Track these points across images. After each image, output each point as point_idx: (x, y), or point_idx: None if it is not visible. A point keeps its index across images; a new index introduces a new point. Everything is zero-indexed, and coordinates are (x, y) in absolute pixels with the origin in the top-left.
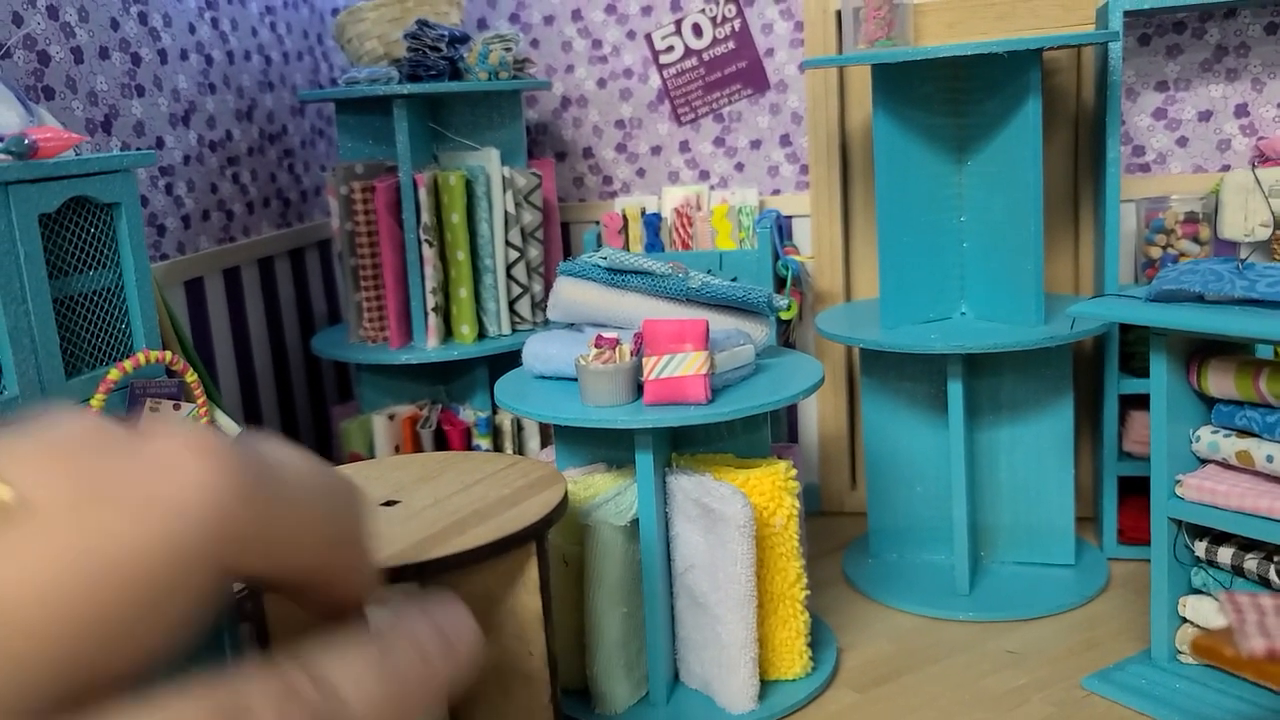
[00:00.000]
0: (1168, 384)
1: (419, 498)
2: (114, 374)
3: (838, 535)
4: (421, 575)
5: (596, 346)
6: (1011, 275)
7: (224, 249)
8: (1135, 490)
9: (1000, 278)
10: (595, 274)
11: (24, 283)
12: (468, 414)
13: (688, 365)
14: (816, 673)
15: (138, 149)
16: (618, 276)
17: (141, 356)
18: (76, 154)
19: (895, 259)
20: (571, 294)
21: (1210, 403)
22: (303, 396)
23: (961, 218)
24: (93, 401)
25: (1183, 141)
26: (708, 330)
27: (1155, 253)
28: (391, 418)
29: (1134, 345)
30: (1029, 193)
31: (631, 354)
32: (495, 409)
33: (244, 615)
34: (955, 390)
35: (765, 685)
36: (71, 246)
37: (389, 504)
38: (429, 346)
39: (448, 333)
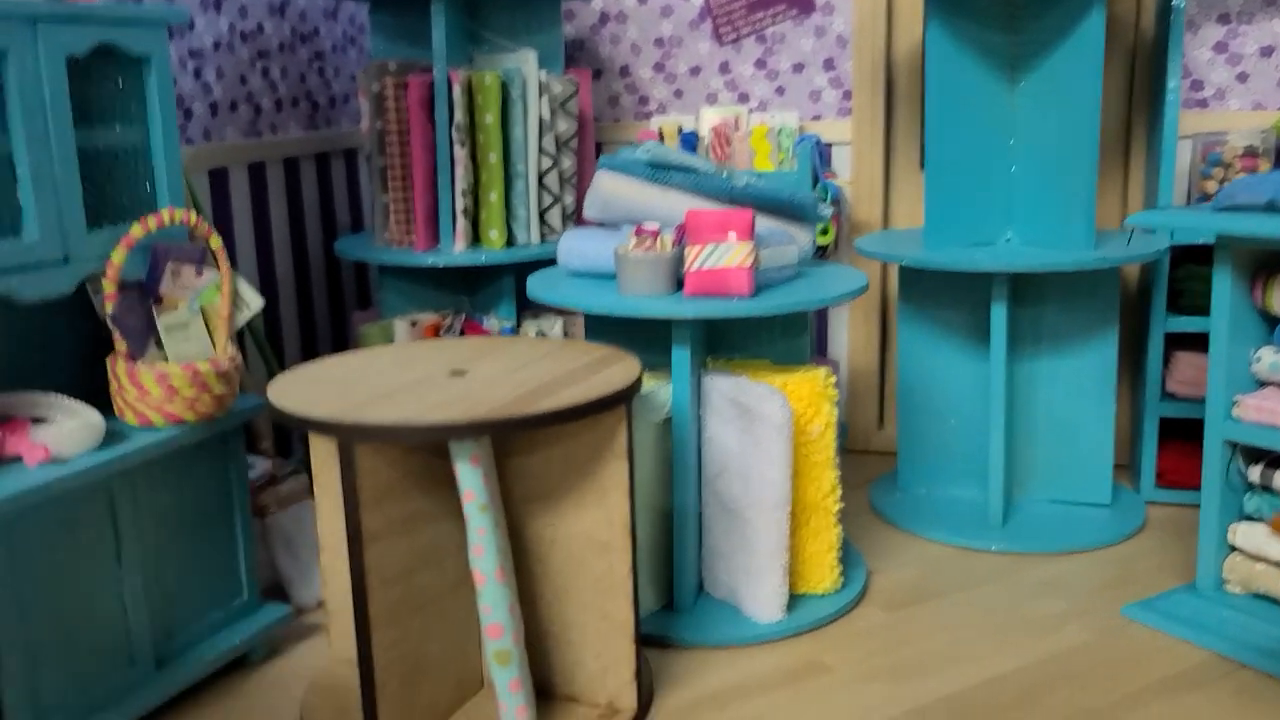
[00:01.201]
0: (1231, 301)
1: (487, 369)
2: (136, 230)
3: (865, 473)
4: (525, 428)
5: (637, 235)
6: (1061, 199)
7: (250, 143)
8: (1176, 434)
9: (1049, 202)
10: (637, 169)
11: (49, 124)
12: (491, 323)
13: (731, 256)
14: (846, 590)
15: None
16: (660, 172)
17: (165, 214)
18: None
19: (942, 181)
20: (612, 188)
21: (1273, 323)
22: (322, 301)
23: (1011, 140)
24: (114, 257)
25: (1243, 77)
26: (754, 221)
27: (1211, 187)
28: (414, 324)
29: (1184, 281)
30: (1086, 112)
31: (673, 245)
32: (520, 319)
33: (258, 510)
34: (999, 314)
35: (793, 598)
36: (99, 97)
37: (458, 373)
38: (456, 250)
39: (475, 238)
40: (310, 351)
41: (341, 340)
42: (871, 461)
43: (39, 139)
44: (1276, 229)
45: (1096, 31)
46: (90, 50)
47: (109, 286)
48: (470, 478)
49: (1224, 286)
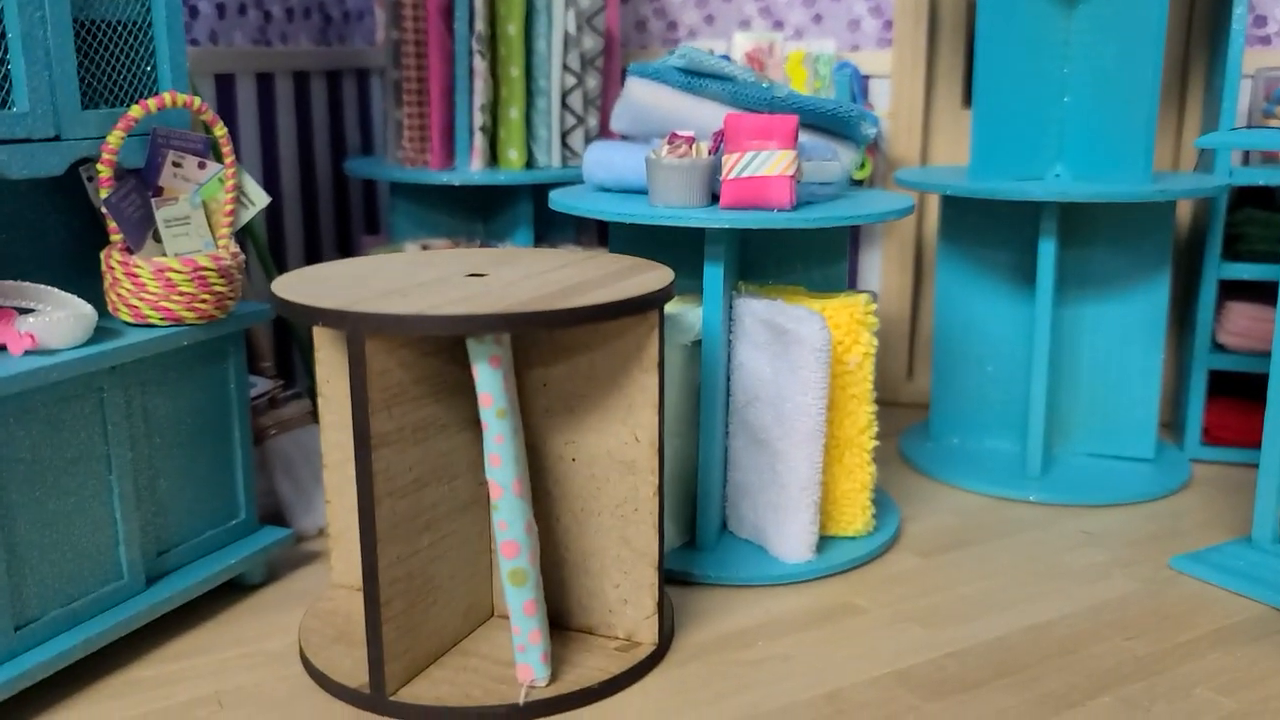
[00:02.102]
0: None
1: (508, 272)
2: (135, 111)
3: (894, 424)
4: (551, 325)
5: (670, 142)
6: (1117, 132)
7: (259, 50)
8: (1225, 389)
9: (1104, 134)
10: (670, 76)
11: None
12: None
13: (773, 165)
14: (878, 533)
15: None
16: (694, 80)
17: (167, 97)
18: None
19: (991, 110)
20: (642, 97)
21: None
22: (329, 222)
23: (1065, 69)
24: (110, 139)
25: None
26: (797, 128)
27: (1274, 124)
28: (425, 248)
29: (1241, 225)
30: (1149, 37)
31: (710, 153)
32: (537, 247)
33: (258, 434)
34: (1047, 251)
35: (822, 540)
36: None
37: (476, 275)
38: (473, 169)
39: (493, 158)
40: None
41: None
42: (900, 414)
43: (31, 1)
44: None
45: None
46: None
47: (104, 170)
48: (489, 380)
49: None
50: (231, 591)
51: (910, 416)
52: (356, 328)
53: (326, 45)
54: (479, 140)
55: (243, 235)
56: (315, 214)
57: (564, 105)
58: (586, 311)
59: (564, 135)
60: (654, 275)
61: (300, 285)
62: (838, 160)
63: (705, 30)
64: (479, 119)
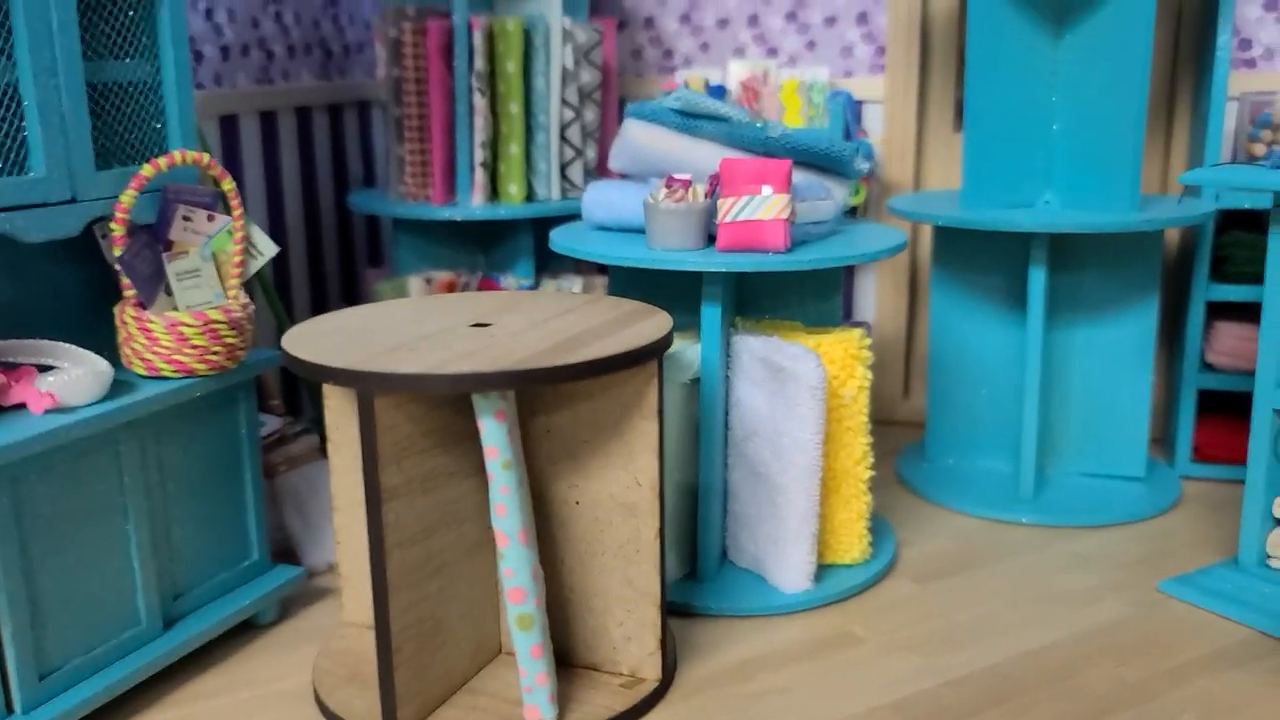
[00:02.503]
0: None
1: (512, 321)
2: (146, 170)
3: (890, 443)
4: (557, 380)
5: (668, 186)
6: (1105, 160)
7: (262, 90)
8: (1214, 407)
9: (1091, 162)
10: (667, 117)
11: (56, 54)
12: (509, 282)
13: (768, 208)
14: (875, 560)
15: None
16: (690, 121)
17: (177, 155)
18: None
19: (981, 138)
20: (640, 138)
21: None
22: (333, 255)
23: (1053, 97)
24: (123, 198)
25: None
26: (790, 172)
27: (1259, 150)
28: (429, 281)
29: (1227, 248)
30: (1135, 67)
31: (705, 196)
32: (538, 279)
33: (268, 470)
34: (1037, 278)
35: (820, 569)
36: (109, 29)
37: (481, 325)
38: (474, 204)
39: (494, 192)
40: (320, 308)
41: (353, 297)
42: (897, 432)
43: (46, 70)
44: None
45: None
46: None
47: (118, 229)
48: (494, 433)
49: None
50: (246, 631)
51: (907, 435)
52: (366, 387)
53: (328, 80)
54: (480, 175)
55: (250, 280)
56: (320, 247)
57: (563, 139)
58: (588, 367)
59: (563, 168)
60: (653, 323)
61: (309, 340)
62: (831, 199)
63: (700, 58)
64: (479, 155)
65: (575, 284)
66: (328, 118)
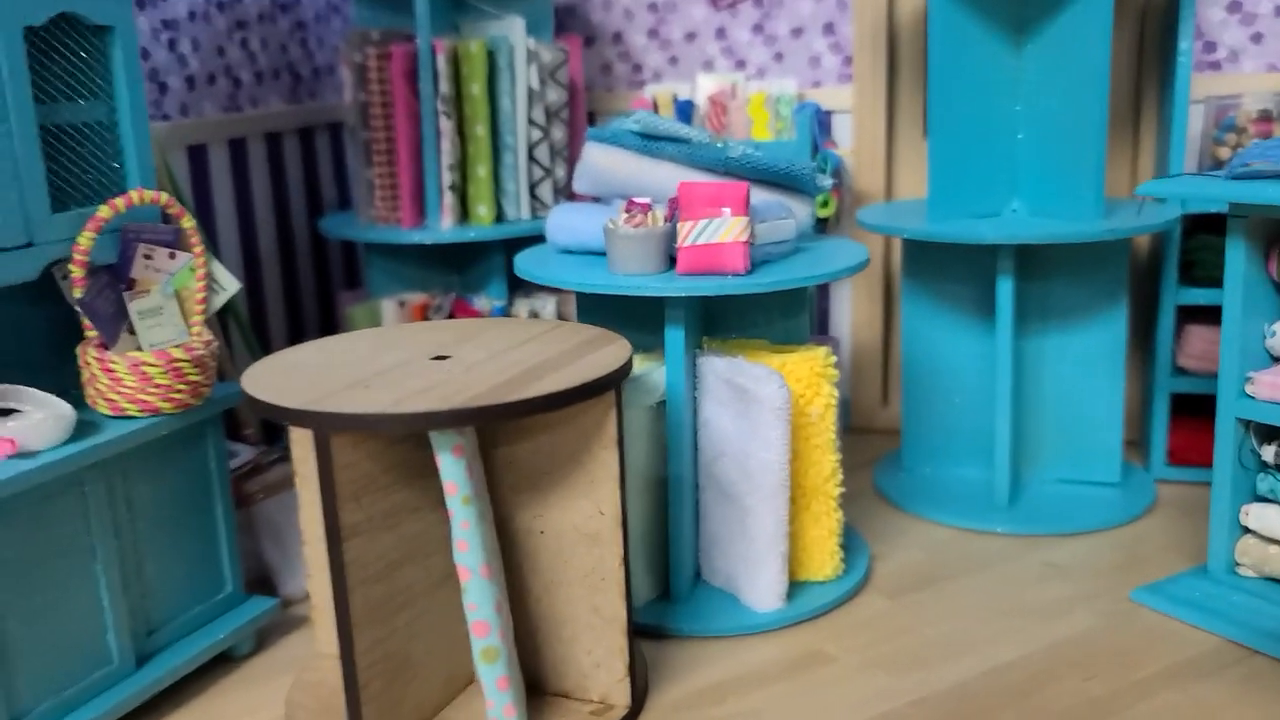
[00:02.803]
0: (1244, 274)
1: (470, 353)
2: (104, 211)
3: (868, 451)
4: (507, 417)
5: (628, 210)
6: (1069, 168)
7: (230, 118)
8: (1188, 410)
9: (1056, 171)
10: (627, 140)
11: (6, 100)
12: (482, 303)
13: (726, 231)
14: (847, 576)
15: None
16: (651, 143)
17: (135, 195)
18: None
19: (946, 149)
20: (601, 161)
21: None
22: (308, 281)
23: (1017, 106)
24: (81, 240)
25: (1257, 38)
26: (749, 195)
27: (1225, 154)
28: (402, 304)
29: (1196, 252)
30: (1094, 76)
31: (665, 220)
32: (511, 298)
33: (243, 499)
34: (1005, 288)
35: (793, 586)
36: (60, 71)
37: (440, 358)
38: (443, 227)
39: (464, 214)
40: (296, 333)
41: (329, 320)
42: (875, 440)
43: None
44: None
45: None
46: (49, 20)
47: (77, 271)
48: (453, 469)
49: (1237, 258)
50: (221, 664)
51: (885, 443)
52: (321, 427)
53: (298, 103)
54: (448, 198)
55: (225, 314)
56: (294, 272)
57: (531, 158)
58: (541, 402)
59: (532, 187)
60: (612, 351)
61: (268, 378)
62: (791, 218)
63: (670, 72)
64: (447, 178)
65: (549, 303)
66: (299, 142)
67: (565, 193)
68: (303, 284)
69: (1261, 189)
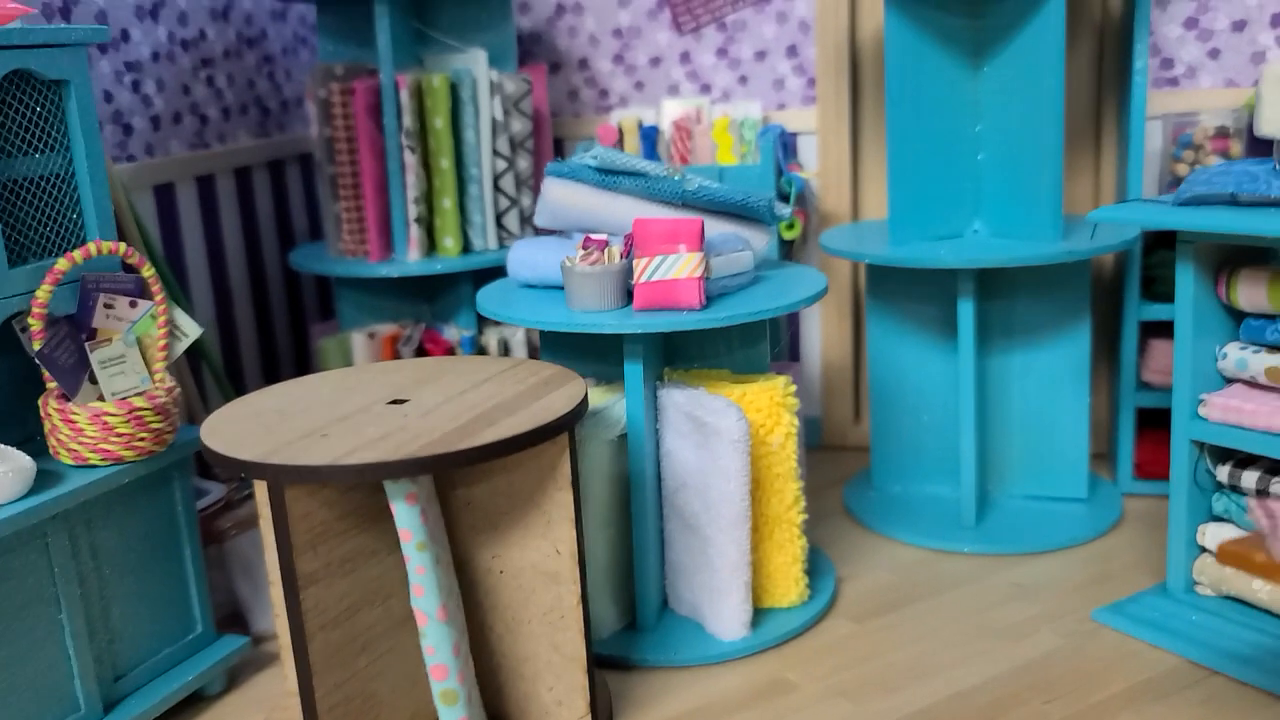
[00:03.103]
0: (1194, 297)
1: (428, 396)
2: (61, 264)
3: (840, 469)
4: (458, 465)
5: (584, 248)
6: (1028, 189)
7: (197, 155)
8: (1153, 423)
9: (1016, 192)
10: (585, 175)
11: None
12: (451, 333)
13: (680, 268)
14: (813, 601)
15: None
16: (609, 178)
17: (93, 247)
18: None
19: (905, 171)
20: (560, 196)
21: (1239, 317)
22: (281, 314)
23: (977, 127)
24: (39, 294)
25: (1214, 54)
26: (703, 230)
27: (1182, 170)
28: (372, 336)
29: (1156, 268)
30: (1049, 98)
31: (621, 256)
32: (481, 328)
33: (215, 536)
34: (966, 310)
35: (759, 613)
36: (15, 126)
37: (397, 402)
38: (410, 259)
39: (431, 246)
40: (271, 366)
41: (303, 353)
42: (848, 457)
43: None
44: (1239, 224)
45: (1057, 16)
46: (3, 77)
47: (35, 324)
48: (406, 516)
49: (1187, 282)
50: (194, 703)
51: (858, 459)
52: (276, 478)
53: (266, 137)
54: (415, 231)
55: (197, 357)
56: (267, 305)
57: (496, 189)
58: (492, 448)
59: (499, 217)
60: (566, 392)
61: (226, 427)
62: (748, 250)
63: (636, 97)
64: (413, 211)
65: (517, 332)
66: (269, 174)
67: (532, 221)
68: (276, 317)
69: (1205, 216)
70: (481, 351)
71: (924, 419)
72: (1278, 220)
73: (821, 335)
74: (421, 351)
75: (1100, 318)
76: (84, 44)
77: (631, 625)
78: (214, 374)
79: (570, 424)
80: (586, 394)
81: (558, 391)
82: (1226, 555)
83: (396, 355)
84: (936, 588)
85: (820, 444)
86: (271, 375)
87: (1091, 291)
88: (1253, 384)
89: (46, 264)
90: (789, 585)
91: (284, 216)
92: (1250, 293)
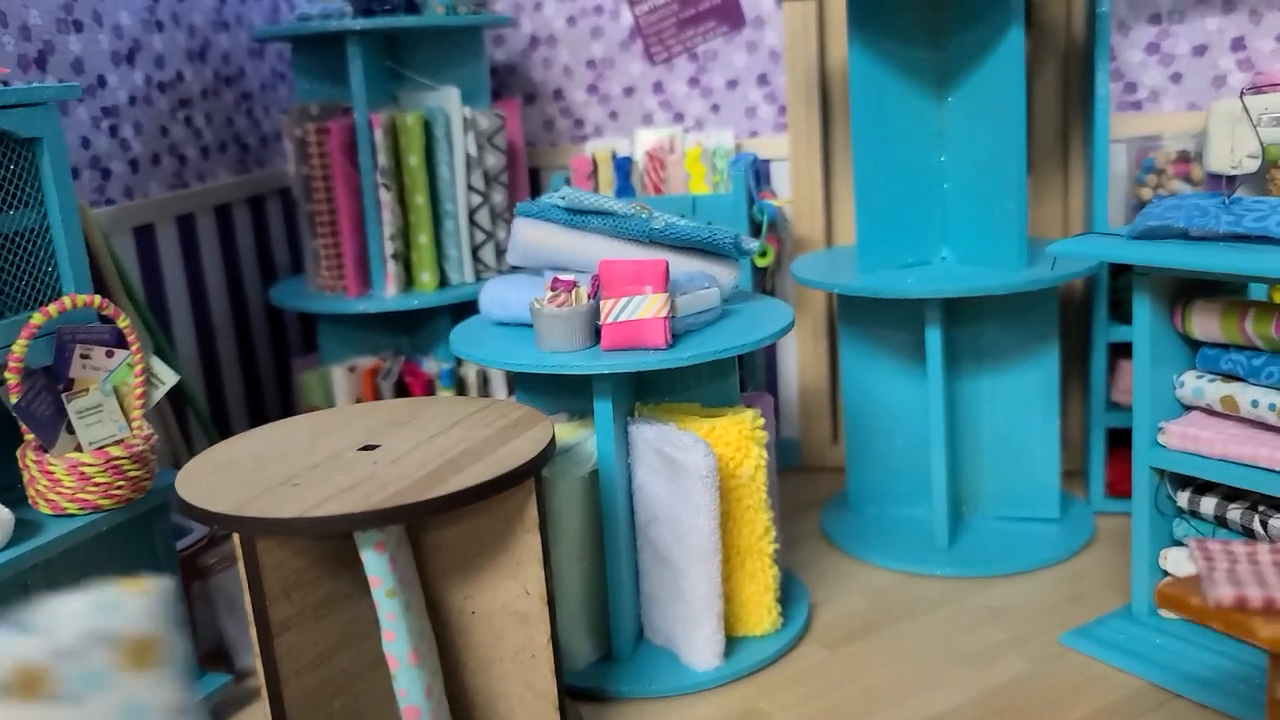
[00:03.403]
0: (1151, 327)
1: (399, 442)
2: (36, 319)
3: (818, 490)
4: (423, 515)
5: (552, 289)
6: (994, 217)
7: (177, 195)
8: (1124, 442)
9: (982, 220)
10: (554, 214)
11: None
12: (430, 365)
13: (646, 308)
14: (786, 629)
15: None
16: (577, 217)
17: (67, 300)
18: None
19: (872, 201)
20: (530, 236)
21: (1195, 346)
22: (265, 349)
23: (942, 157)
24: (15, 348)
25: (1176, 78)
26: (668, 271)
27: (1147, 194)
28: (352, 369)
29: (1123, 291)
30: (1012, 128)
31: (589, 297)
32: (459, 361)
33: (199, 573)
34: (934, 338)
35: (732, 641)
36: None
37: (368, 448)
38: (388, 295)
39: (408, 281)
40: (256, 401)
41: (286, 386)
42: (826, 478)
43: None
44: (1190, 259)
45: (1017, 48)
46: None
47: (11, 378)
48: (376, 564)
49: (1143, 312)
50: None
51: (835, 481)
52: (247, 531)
53: (246, 173)
54: (392, 267)
55: (182, 403)
56: (250, 341)
57: (472, 223)
58: (459, 496)
59: (475, 250)
60: (533, 435)
61: (200, 477)
62: (715, 287)
63: (610, 126)
64: (389, 247)
65: None
66: (249, 211)
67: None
68: (259, 352)
69: (1157, 251)
70: (460, 383)
71: (897, 442)
72: (1225, 256)
73: (798, 358)
74: (401, 384)
75: (1071, 339)
76: (54, 101)
77: (608, 656)
78: (198, 418)
79: (536, 469)
80: (554, 437)
81: (525, 435)
82: (1164, 598)
83: (376, 388)
84: (909, 612)
85: (800, 465)
86: (256, 409)
87: (1061, 314)
88: (1209, 411)
89: (22, 318)
90: (761, 614)
91: (265, 251)
92: (1204, 323)
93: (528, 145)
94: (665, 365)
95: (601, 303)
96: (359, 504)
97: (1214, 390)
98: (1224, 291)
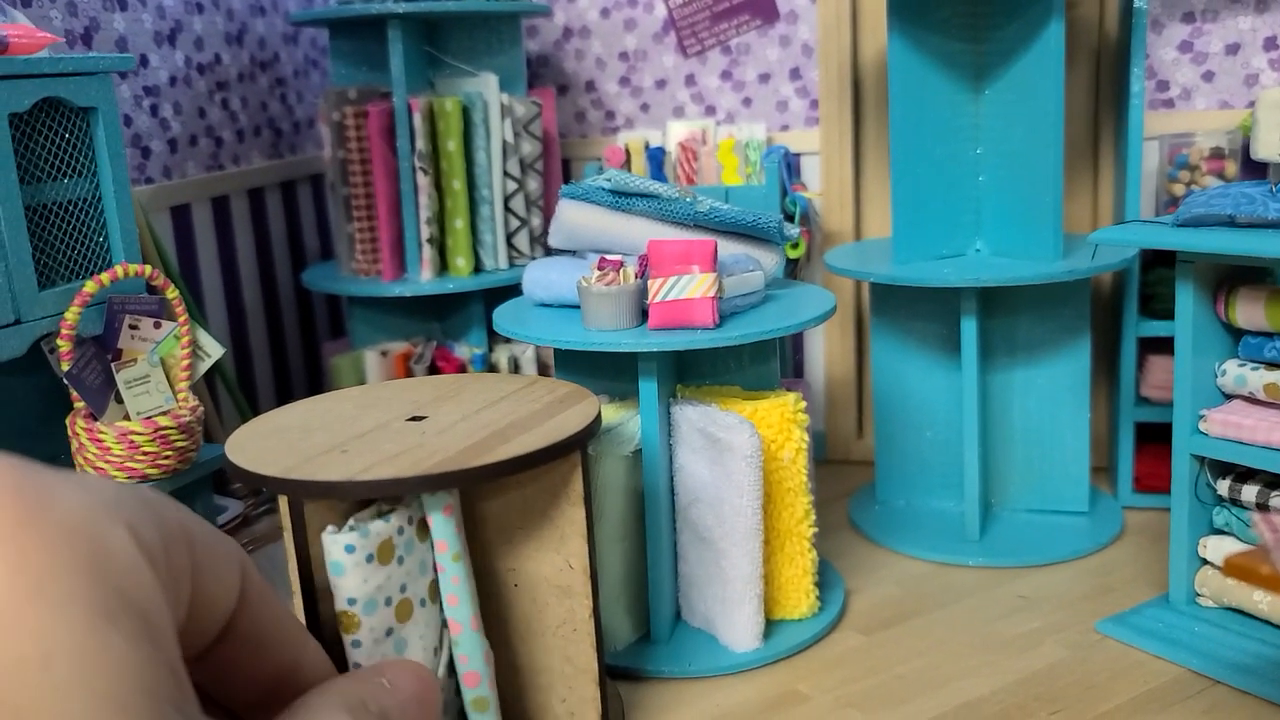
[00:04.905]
0: (1194, 315)
1: (445, 414)
2: (90, 287)
3: (844, 483)
4: (471, 482)
5: (600, 268)
6: (1029, 209)
7: (212, 176)
8: (1152, 437)
9: (1017, 212)
10: (599, 197)
11: None
12: (463, 351)
13: (695, 287)
14: (823, 613)
15: None
16: (622, 199)
17: (119, 269)
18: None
19: (909, 192)
20: (574, 218)
21: (1237, 335)
22: (293, 332)
23: (978, 149)
24: (68, 315)
25: (1209, 76)
26: (716, 251)
27: (1179, 190)
28: (384, 354)
29: (1154, 285)
30: (1049, 121)
31: (636, 276)
32: (491, 346)
33: None
34: (969, 328)
35: (770, 625)
36: (45, 152)
37: (416, 419)
38: (423, 279)
39: (443, 266)
40: (283, 384)
41: (315, 371)
42: (852, 471)
43: None
44: (1237, 244)
45: (1056, 42)
46: (33, 105)
47: (64, 345)
48: (443, 528)
49: (1186, 300)
50: None
51: (861, 473)
52: (295, 494)
53: (279, 158)
54: (427, 251)
55: (213, 376)
56: (280, 324)
57: (507, 209)
58: (505, 465)
59: (509, 237)
60: (580, 410)
61: (249, 443)
62: (759, 270)
63: (642, 119)
64: (425, 231)
65: (527, 349)
66: (280, 196)
67: (542, 240)
68: (288, 335)
69: (1204, 237)
70: (492, 368)
71: (927, 435)
72: (1274, 241)
73: (825, 351)
74: (434, 369)
75: (1099, 334)
76: (110, 71)
77: (646, 637)
78: (230, 392)
79: (583, 442)
80: (600, 412)
81: (572, 410)
82: (1233, 568)
83: (409, 373)
84: (942, 600)
85: (824, 458)
86: (284, 392)
87: (1091, 308)
88: (1252, 400)
89: (74, 286)
90: (800, 597)
91: (295, 236)
92: (1248, 311)
93: (560, 137)
94: (714, 344)
95: (649, 282)
96: (408, 469)
97: (1257, 378)
98: (1269, 279)
